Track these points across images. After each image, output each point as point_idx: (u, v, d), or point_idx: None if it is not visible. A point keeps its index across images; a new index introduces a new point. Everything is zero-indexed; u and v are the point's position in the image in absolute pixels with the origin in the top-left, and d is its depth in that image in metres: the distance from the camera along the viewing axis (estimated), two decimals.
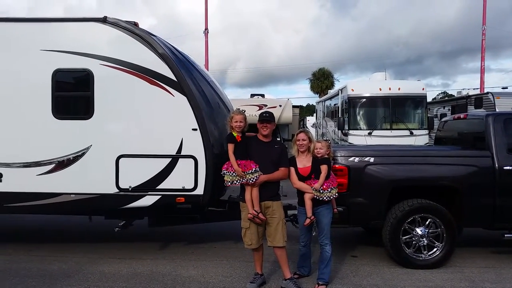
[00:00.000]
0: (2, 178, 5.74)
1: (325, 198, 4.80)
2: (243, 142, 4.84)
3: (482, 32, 25.21)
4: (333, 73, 47.77)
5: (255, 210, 4.68)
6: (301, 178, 4.91)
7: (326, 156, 4.96)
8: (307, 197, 4.83)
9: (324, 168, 4.85)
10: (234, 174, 4.70)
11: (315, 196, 4.79)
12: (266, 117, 4.84)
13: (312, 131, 24.25)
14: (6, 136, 5.78)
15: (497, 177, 5.66)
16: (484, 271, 5.50)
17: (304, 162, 4.95)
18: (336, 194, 4.95)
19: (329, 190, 4.80)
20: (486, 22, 25.06)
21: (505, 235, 5.73)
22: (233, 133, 4.85)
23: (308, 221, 4.82)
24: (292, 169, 4.93)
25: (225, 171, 4.78)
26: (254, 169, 4.68)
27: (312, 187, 4.80)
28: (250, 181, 4.66)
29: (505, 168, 5.67)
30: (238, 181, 4.71)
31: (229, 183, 4.77)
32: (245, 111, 5.28)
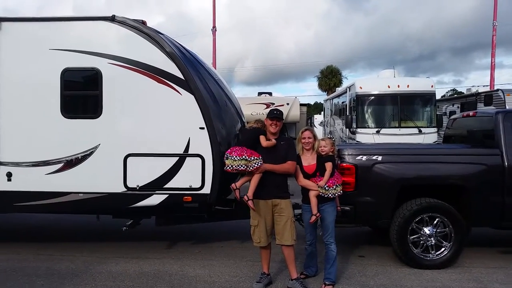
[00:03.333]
0: (11, 177, 5.80)
1: (330, 195, 4.82)
2: (257, 138, 4.84)
3: (493, 28, 24.88)
4: (342, 71, 47.69)
5: (243, 194, 4.71)
6: (306, 176, 4.93)
7: (330, 153, 4.98)
8: (312, 195, 4.85)
9: (328, 165, 4.88)
10: (238, 157, 4.65)
11: (321, 193, 4.81)
12: (277, 115, 4.83)
13: (320, 129, 24.20)
14: (15, 135, 5.82)
15: (507, 175, 5.59)
16: (492, 271, 5.45)
17: (309, 160, 4.97)
18: (341, 192, 4.97)
19: (334, 187, 4.83)
20: (497, 18, 24.75)
21: None
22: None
23: (313, 218, 4.83)
24: (297, 167, 4.94)
25: (228, 155, 4.75)
26: (260, 157, 4.69)
27: (317, 184, 4.80)
28: (251, 168, 4.65)
29: None
30: (240, 166, 4.65)
31: (229, 168, 4.71)
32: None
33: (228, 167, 4.74)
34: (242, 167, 4.67)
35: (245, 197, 4.69)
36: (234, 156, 4.67)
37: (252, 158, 4.67)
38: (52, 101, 5.76)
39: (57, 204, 5.77)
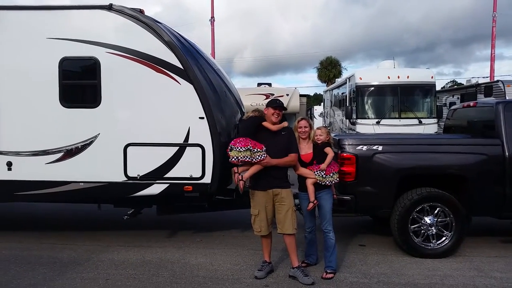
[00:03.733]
0: (11, 167, 5.79)
1: (327, 182, 4.89)
2: (257, 127, 4.83)
3: (493, 19, 24.80)
4: (342, 62, 47.58)
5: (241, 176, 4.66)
6: (303, 164, 4.98)
7: (326, 141, 5.04)
8: (310, 182, 4.90)
9: (329, 150, 4.96)
10: (243, 148, 4.61)
11: (318, 181, 4.86)
12: (280, 104, 4.82)
13: (320, 120, 24.19)
14: (14, 125, 5.80)
15: (507, 165, 5.59)
16: (493, 260, 5.47)
17: (305, 149, 5.03)
18: (338, 179, 5.01)
19: (331, 174, 4.89)
20: (497, 9, 24.66)
21: None
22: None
23: (311, 205, 4.88)
24: None
25: (232, 146, 4.70)
26: (263, 149, 4.67)
27: (315, 171, 4.86)
28: (255, 159, 4.63)
29: None
30: (246, 157, 4.61)
31: (235, 159, 4.67)
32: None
33: (233, 159, 4.68)
34: (247, 158, 4.62)
35: (239, 176, 4.65)
36: (239, 147, 4.63)
37: (256, 150, 4.65)
38: (50, 91, 5.73)
39: (58, 194, 5.77)
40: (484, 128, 6.22)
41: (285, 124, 4.90)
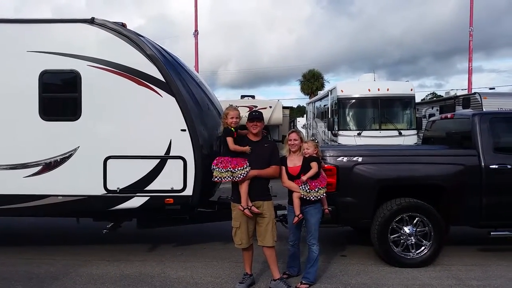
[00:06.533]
0: None
1: (312, 197, 4.84)
2: (236, 140, 4.84)
3: (470, 33, 25.46)
4: (325, 74, 48.30)
5: (247, 205, 4.70)
6: (291, 177, 4.96)
7: (314, 155, 5.00)
8: (295, 196, 4.89)
9: (314, 164, 4.90)
10: (223, 170, 4.70)
11: (302, 196, 4.83)
12: (256, 116, 4.87)
13: (303, 132, 24.35)
14: None
15: (484, 175, 5.72)
16: (470, 268, 5.56)
17: (294, 162, 5.00)
18: (324, 194, 4.98)
19: (316, 190, 4.83)
20: (472, 24, 25.32)
21: (491, 233, 5.80)
22: (230, 127, 4.85)
23: (296, 219, 4.86)
24: (283, 168, 4.97)
25: (214, 167, 4.77)
26: (244, 166, 4.70)
27: (300, 185, 4.83)
28: (236, 178, 4.68)
29: (491, 167, 5.73)
30: (227, 177, 4.70)
31: (218, 179, 4.76)
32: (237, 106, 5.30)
33: (216, 178, 4.78)
34: (228, 178, 4.71)
35: (240, 207, 4.72)
36: (221, 168, 4.72)
37: (237, 169, 4.68)
38: (30, 104, 5.67)
39: (36, 207, 5.67)
40: (461, 139, 6.36)
41: (246, 149, 4.80)
